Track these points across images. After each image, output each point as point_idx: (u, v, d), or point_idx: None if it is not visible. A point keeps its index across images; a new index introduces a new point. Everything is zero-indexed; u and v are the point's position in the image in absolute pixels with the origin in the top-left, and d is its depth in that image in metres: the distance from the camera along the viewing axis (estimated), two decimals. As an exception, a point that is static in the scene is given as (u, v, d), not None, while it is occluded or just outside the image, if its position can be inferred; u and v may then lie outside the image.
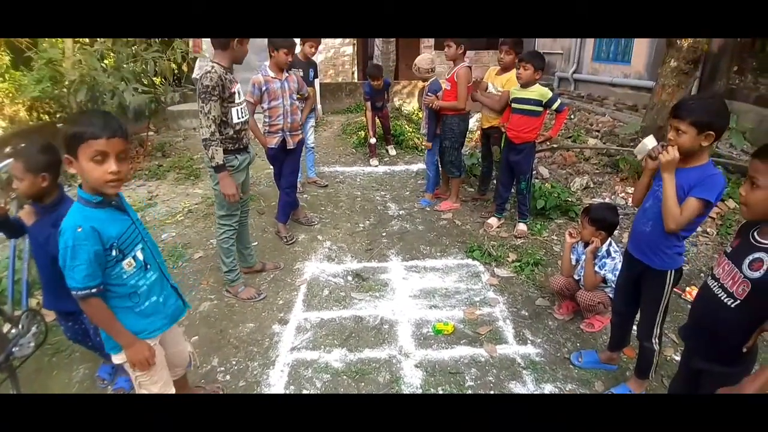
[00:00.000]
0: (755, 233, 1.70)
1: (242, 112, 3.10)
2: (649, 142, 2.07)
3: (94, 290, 1.67)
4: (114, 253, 1.71)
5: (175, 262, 3.93)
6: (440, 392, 2.63)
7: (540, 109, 3.97)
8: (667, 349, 2.90)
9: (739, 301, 1.67)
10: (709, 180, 2.02)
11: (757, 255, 1.64)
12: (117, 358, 1.86)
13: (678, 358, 2.78)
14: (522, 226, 4.34)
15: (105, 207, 1.71)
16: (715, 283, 1.78)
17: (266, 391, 2.67)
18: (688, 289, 3.47)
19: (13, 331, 2.56)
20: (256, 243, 3.97)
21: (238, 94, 3.03)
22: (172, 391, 2.04)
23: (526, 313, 3.31)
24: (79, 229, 1.60)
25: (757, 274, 1.62)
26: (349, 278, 3.74)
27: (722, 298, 1.73)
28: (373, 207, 4.97)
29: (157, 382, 1.96)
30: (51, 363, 2.87)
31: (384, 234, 4.41)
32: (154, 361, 1.87)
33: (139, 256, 1.82)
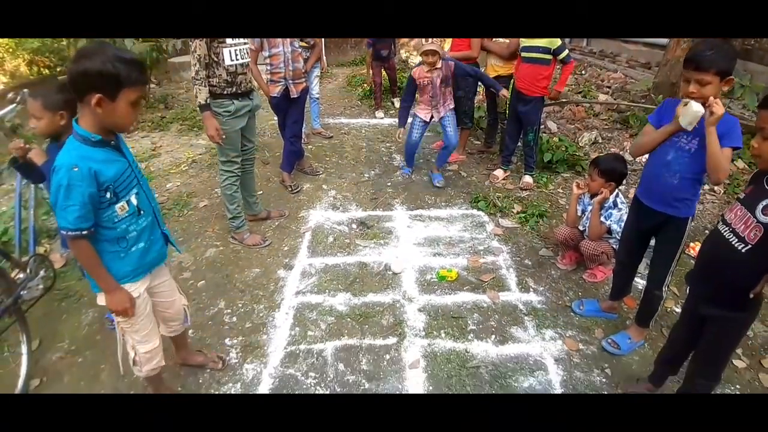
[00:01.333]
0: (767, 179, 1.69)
1: (238, 55, 3.02)
2: (697, 107, 2.00)
3: (84, 232, 1.63)
4: (108, 195, 1.66)
5: (180, 210, 3.94)
6: (442, 335, 2.68)
7: (549, 57, 3.88)
8: (668, 300, 2.93)
9: (750, 246, 1.67)
10: (733, 127, 2.00)
11: None
12: (100, 299, 1.85)
13: (678, 310, 2.81)
14: (528, 179, 4.31)
15: (103, 147, 1.66)
16: (727, 228, 1.77)
17: (272, 331, 2.73)
18: (692, 244, 3.46)
19: (22, 275, 2.61)
20: (261, 192, 3.97)
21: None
22: (156, 343, 2.00)
23: (530, 263, 3.33)
24: (75, 169, 1.56)
25: None
26: (354, 226, 3.75)
27: (733, 242, 1.73)
28: (378, 158, 4.94)
29: (138, 331, 1.94)
30: (60, 308, 2.92)
31: (389, 184, 4.39)
32: (133, 311, 1.84)
33: (133, 201, 1.77)
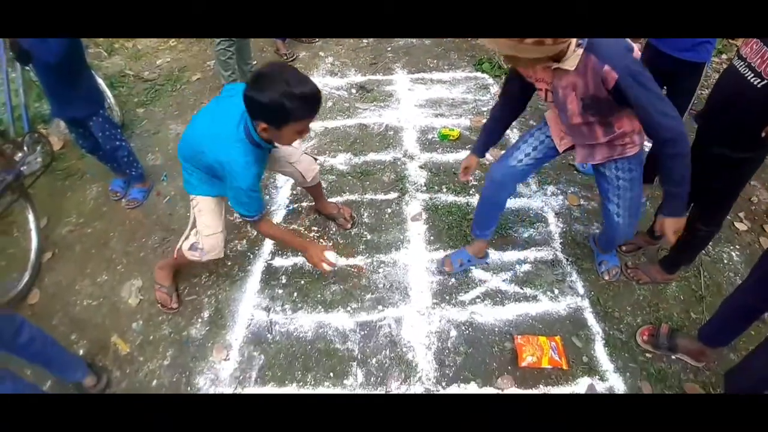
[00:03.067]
0: None
1: None
2: None
3: (263, 212, 1.85)
4: None
5: (173, 85, 3.76)
6: (444, 190, 2.67)
7: None
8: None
9: (766, 81, 1.57)
10: None
11: None
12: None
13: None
14: (536, 40, 4.07)
15: (263, 149, 1.79)
16: (742, 63, 1.65)
17: (273, 192, 2.74)
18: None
19: (20, 154, 2.59)
20: (255, 62, 3.76)
21: None
22: (220, 237, 2.03)
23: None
24: (254, 169, 1.71)
25: None
26: (353, 90, 3.60)
27: (749, 77, 1.62)
28: (378, 22, 4.65)
29: (211, 235, 2.00)
30: (64, 186, 2.88)
31: (389, 49, 4.16)
32: (330, 262, 1.92)
33: None
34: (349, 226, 2.49)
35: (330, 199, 2.60)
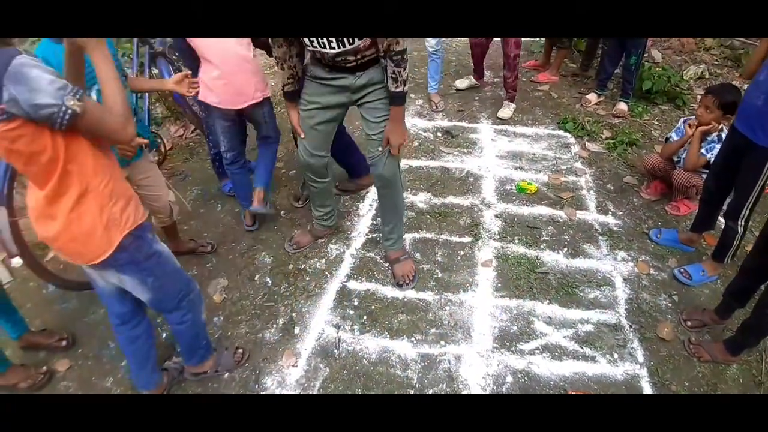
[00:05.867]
0: None
1: None
2: None
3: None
4: None
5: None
6: (515, 241, 2.80)
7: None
8: (749, 243, 2.86)
9: None
10: None
11: None
12: None
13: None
14: (623, 105, 4.15)
15: None
16: None
17: (355, 219, 2.99)
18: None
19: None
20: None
21: None
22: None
23: (612, 187, 3.32)
24: None
25: None
26: (439, 134, 3.83)
27: None
28: (468, 72, 4.86)
29: None
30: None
31: (477, 98, 4.38)
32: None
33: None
34: (209, 249, 2.74)
35: (407, 234, 2.81)
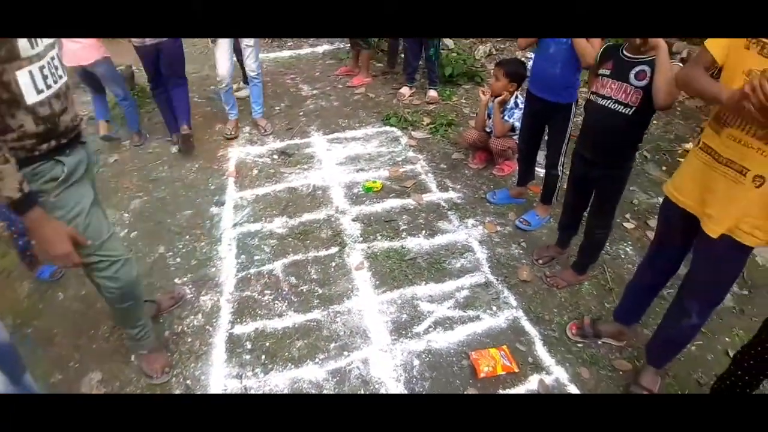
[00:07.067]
0: (623, 51, 2.05)
1: (48, 73, 1.50)
2: None
3: None
4: None
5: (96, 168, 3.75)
6: (378, 238, 2.93)
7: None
8: (564, 181, 3.36)
9: (635, 107, 2.02)
10: None
11: (639, 68, 1.98)
12: None
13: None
14: (433, 93, 4.56)
15: None
16: (609, 101, 2.08)
17: (218, 263, 2.83)
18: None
19: None
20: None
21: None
22: None
23: (445, 166, 3.64)
24: None
25: (644, 83, 1.96)
26: (275, 156, 3.82)
27: (619, 109, 2.05)
28: (285, 90, 4.92)
29: None
30: None
31: (301, 113, 4.45)
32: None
33: None
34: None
35: (276, 262, 2.77)
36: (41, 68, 1.46)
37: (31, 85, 1.44)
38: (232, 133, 4.08)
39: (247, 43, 3.74)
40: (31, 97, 1.44)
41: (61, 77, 1.58)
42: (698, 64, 1.62)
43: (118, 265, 1.85)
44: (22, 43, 1.36)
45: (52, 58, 1.53)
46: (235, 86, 4.44)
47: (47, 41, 1.49)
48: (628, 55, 2.02)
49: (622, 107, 2.05)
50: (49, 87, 1.50)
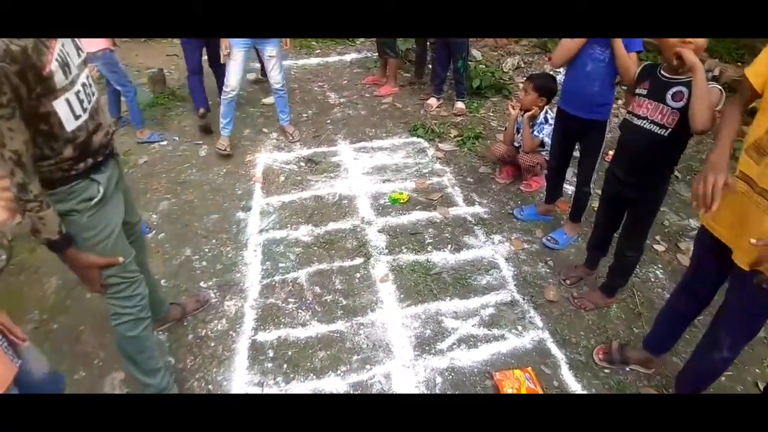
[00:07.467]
0: (661, 71, 2.01)
1: (84, 96, 1.51)
2: None
3: None
4: None
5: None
6: (404, 251, 2.92)
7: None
8: (594, 200, 3.31)
9: (671, 129, 1.98)
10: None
11: (676, 89, 1.94)
12: None
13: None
14: (460, 105, 4.55)
15: None
16: (645, 121, 2.05)
17: (243, 269, 2.85)
18: (610, 152, 3.87)
19: None
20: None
21: (65, 65, 1.40)
22: None
23: (472, 180, 3.62)
24: None
25: (681, 104, 1.92)
26: (302, 164, 3.85)
27: (655, 131, 2.01)
28: (313, 97, 4.96)
29: None
30: (20, 282, 2.80)
31: (328, 121, 4.48)
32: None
33: None
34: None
35: (301, 271, 2.78)
36: (77, 93, 1.48)
37: (69, 112, 1.45)
38: (226, 150, 3.85)
39: (270, 54, 3.74)
40: (70, 125, 1.46)
41: (93, 94, 1.60)
42: (737, 100, 1.60)
43: (135, 284, 1.87)
44: (58, 77, 1.37)
45: (87, 78, 1.55)
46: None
47: (78, 62, 1.51)
48: (666, 75, 1.99)
49: (658, 128, 2.01)
50: (85, 110, 1.52)
